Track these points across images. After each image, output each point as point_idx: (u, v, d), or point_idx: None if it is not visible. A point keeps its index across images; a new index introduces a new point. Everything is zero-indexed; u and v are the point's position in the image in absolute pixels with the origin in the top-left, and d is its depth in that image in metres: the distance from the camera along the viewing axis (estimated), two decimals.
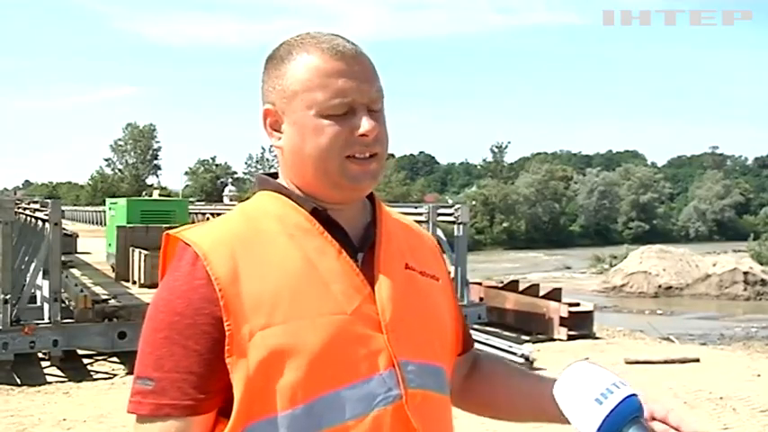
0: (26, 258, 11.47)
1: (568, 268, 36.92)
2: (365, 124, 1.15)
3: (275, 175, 1.27)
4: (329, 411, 1.08)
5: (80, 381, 9.14)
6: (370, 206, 1.27)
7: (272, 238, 1.15)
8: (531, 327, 13.30)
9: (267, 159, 75.50)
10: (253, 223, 1.18)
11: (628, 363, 10.21)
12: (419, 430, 1.13)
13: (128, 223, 14.85)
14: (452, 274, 11.77)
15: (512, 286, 15.16)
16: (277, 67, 1.20)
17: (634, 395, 1.04)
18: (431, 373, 1.19)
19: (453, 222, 12.22)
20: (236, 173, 78.12)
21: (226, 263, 1.10)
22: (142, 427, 1.10)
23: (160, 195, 26.49)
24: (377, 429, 1.10)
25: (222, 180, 70.90)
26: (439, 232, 11.93)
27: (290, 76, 1.18)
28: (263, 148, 78.09)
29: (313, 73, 1.16)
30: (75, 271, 15.15)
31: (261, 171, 1.36)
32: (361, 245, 1.21)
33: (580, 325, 13.15)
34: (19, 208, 12.39)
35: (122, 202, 16.73)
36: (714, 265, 25.11)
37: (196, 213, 20.42)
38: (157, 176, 79.47)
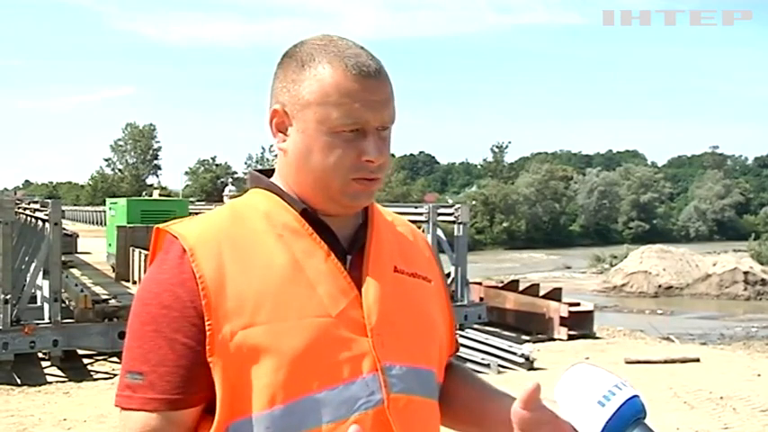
0: (26, 258, 11.48)
1: (568, 268, 36.89)
2: (373, 151, 1.15)
3: (270, 173, 1.26)
4: (309, 413, 1.07)
5: (80, 381, 9.15)
6: (362, 209, 1.26)
7: (259, 237, 1.15)
8: (531, 327, 13.30)
9: (267, 159, 75.32)
10: (241, 221, 1.17)
11: (628, 362, 10.22)
12: None
13: (128, 223, 14.89)
14: (452, 274, 11.81)
15: (512, 286, 15.18)
16: (295, 70, 1.18)
17: (636, 396, 1.03)
18: (418, 378, 1.18)
19: (453, 222, 12.24)
20: (236, 173, 77.83)
21: (211, 260, 1.11)
22: (128, 418, 1.09)
23: (160, 195, 26.35)
24: None
25: (222, 180, 70.65)
26: (439, 232, 11.95)
27: (307, 84, 1.16)
28: (263, 148, 77.84)
29: (332, 88, 1.14)
30: (75, 271, 15.18)
31: (254, 168, 1.35)
32: (350, 247, 1.20)
33: (580, 325, 13.16)
34: (19, 208, 12.39)
35: (122, 202, 16.78)
36: (714, 264, 25.11)
37: (196, 213, 20.39)
38: (157, 176, 79.48)
